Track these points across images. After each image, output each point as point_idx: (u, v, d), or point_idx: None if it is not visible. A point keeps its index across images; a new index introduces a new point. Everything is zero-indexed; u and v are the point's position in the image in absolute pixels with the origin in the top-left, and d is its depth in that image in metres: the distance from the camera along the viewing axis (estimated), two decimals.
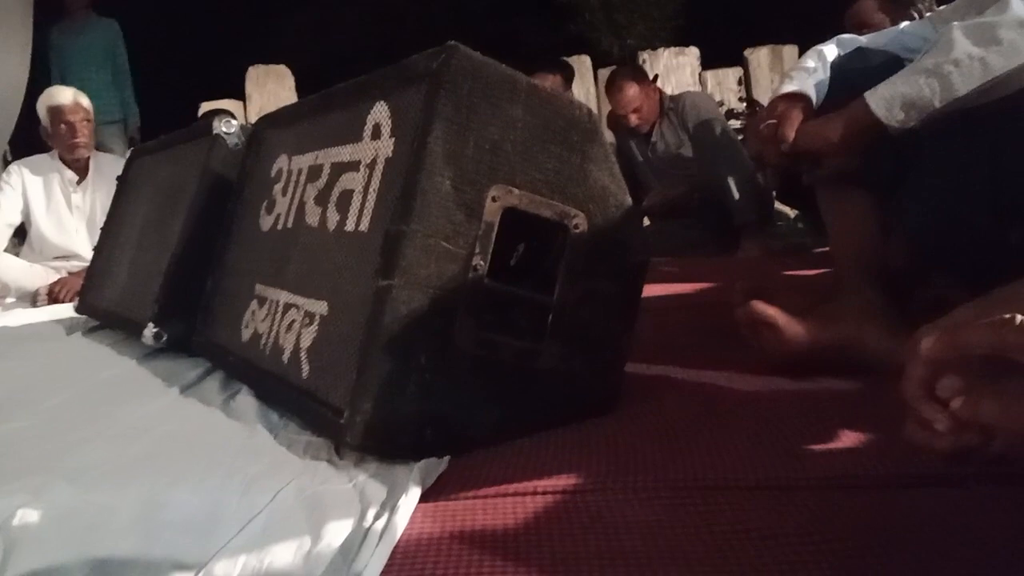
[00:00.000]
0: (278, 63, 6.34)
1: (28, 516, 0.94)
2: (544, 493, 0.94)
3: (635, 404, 1.25)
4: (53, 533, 0.92)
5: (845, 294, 1.41)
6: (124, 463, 1.14)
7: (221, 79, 6.03)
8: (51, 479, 1.07)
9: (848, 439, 1.04)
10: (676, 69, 6.67)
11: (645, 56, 6.75)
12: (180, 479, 1.05)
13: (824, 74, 1.47)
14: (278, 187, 1.59)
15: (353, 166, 1.31)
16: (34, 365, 1.92)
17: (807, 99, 1.40)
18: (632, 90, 3.69)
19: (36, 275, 3.16)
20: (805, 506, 0.86)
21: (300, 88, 6.23)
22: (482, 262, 1.12)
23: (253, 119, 1.93)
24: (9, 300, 3.10)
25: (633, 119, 3.72)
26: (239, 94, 6.15)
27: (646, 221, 3.85)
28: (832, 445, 1.03)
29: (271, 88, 6.20)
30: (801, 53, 1.79)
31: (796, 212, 3.95)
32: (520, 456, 1.07)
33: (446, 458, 1.05)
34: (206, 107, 5.69)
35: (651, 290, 1.34)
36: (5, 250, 3.25)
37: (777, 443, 1.05)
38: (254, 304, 1.51)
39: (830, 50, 1.51)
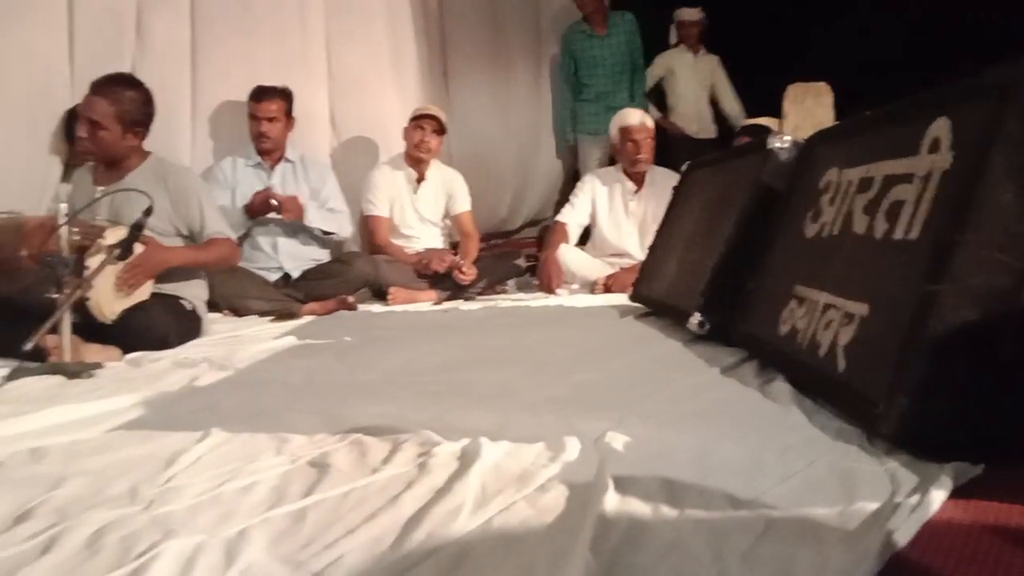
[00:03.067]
0: (816, 79, 6.35)
1: (615, 438, 1.24)
2: None
3: None
4: (632, 453, 1.20)
5: None
6: (679, 416, 1.40)
7: (758, 95, 6.25)
8: (626, 415, 1.37)
9: None
10: None
11: None
12: (724, 435, 1.26)
13: None
14: (825, 197, 1.71)
15: (906, 178, 1.38)
16: (599, 336, 2.36)
17: None
18: None
19: (596, 268, 3.78)
20: None
21: (839, 105, 6.16)
22: None
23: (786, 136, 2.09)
24: (574, 286, 3.77)
25: None
26: (774, 110, 6.33)
27: None
28: None
29: (808, 105, 6.25)
30: None
31: None
32: None
33: (981, 466, 1.06)
34: (745, 123, 5.94)
35: None
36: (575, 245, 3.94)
37: None
38: (793, 303, 1.66)
39: None
